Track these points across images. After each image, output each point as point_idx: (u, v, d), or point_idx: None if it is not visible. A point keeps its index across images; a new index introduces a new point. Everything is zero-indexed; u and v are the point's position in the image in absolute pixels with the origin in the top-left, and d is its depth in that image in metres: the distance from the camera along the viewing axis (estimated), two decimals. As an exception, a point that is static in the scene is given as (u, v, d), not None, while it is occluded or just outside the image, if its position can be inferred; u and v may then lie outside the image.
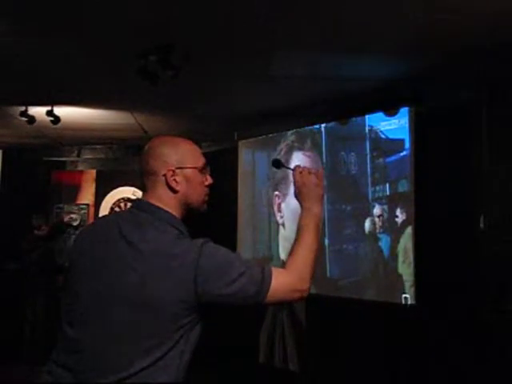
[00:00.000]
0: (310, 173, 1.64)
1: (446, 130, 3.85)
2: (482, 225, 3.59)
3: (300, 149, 4.88)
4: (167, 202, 1.44)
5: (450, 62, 3.47)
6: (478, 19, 2.81)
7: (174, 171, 1.44)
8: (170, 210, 1.43)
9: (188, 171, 1.46)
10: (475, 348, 3.50)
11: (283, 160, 4.90)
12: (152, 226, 1.38)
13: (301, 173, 1.64)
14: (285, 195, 4.86)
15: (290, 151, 4.96)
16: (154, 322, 1.30)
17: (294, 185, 1.65)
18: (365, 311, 4.22)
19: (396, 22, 2.90)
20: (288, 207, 4.79)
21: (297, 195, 1.64)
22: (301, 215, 1.58)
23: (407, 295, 3.90)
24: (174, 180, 1.44)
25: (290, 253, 1.49)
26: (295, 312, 4.96)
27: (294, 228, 1.58)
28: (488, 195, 3.60)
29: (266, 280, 1.36)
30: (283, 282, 1.40)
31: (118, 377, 1.28)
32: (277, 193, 4.94)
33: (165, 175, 1.43)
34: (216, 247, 1.38)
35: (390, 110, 4.11)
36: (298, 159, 4.88)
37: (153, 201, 1.44)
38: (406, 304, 3.90)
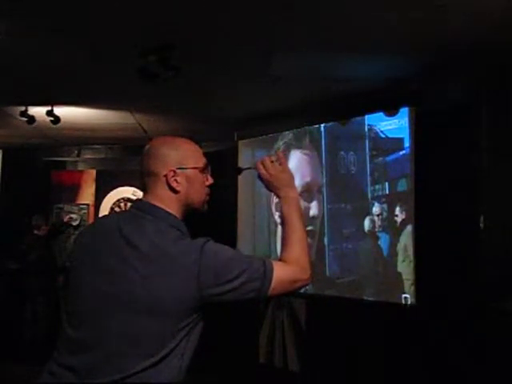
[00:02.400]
0: (272, 162, 1.60)
1: (446, 129, 3.84)
2: (481, 225, 3.58)
3: (298, 147, 4.88)
4: (168, 202, 1.44)
5: (450, 61, 3.48)
6: (478, 19, 2.81)
7: (175, 172, 1.43)
8: (170, 211, 1.43)
9: (189, 171, 1.46)
10: (475, 348, 3.50)
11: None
12: (153, 226, 1.38)
13: (263, 165, 1.60)
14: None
15: (287, 150, 4.96)
16: (157, 323, 1.30)
17: (262, 180, 1.61)
18: (365, 311, 4.22)
19: (396, 22, 2.90)
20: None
21: (269, 188, 1.61)
22: (281, 205, 1.58)
23: (407, 295, 3.90)
24: (175, 180, 1.44)
25: (284, 244, 1.51)
26: (295, 312, 4.96)
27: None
28: (488, 195, 3.60)
29: (267, 274, 1.38)
30: (284, 273, 1.42)
31: (119, 376, 1.28)
32: None
33: (166, 176, 1.43)
34: (217, 246, 1.38)
35: (390, 110, 4.11)
36: (295, 157, 4.88)
37: (153, 201, 1.44)
38: (406, 304, 3.90)
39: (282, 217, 1.57)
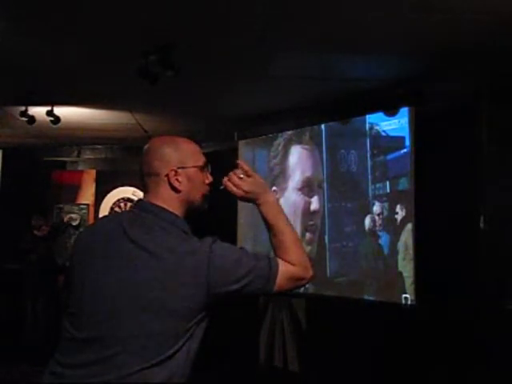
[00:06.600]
0: (240, 178, 1.54)
1: (446, 129, 3.85)
2: (481, 225, 3.59)
3: (298, 142, 4.88)
4: (170, 202, 1.44)
5: (450, 61, 3.48)
6: (478, 19, 2.81)
7: (176, 171, 1.44)
8: (173, 211, 1.43)
9: (190, 170, 1.46)
10: (475, 348, 3.50)
11: (281, 153, 4.94)
12: (158, 227, 1.39)
13: (231, 182, 1.53)
14: (283, 190, 4.85)
15: (288, 145, 4.96)
16: (165, 322, 1.30)
17: (238, 196, 1.54)
18: (365, 311, 4.22)
19: (396, 22, 2.90)
20: (287, 202, 4.78)
21: (244, 200, 1.57)
22: (262, 211, 1.54)
23: (407, 295, 3.90)
24: (177, 180, 1.44)
25: (281, 249, 1.48)
26: (295, 312, 4.97)
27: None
28: (488, 195, 3.60)
29: (273, 273, 1.40)
30: (289, 272, 1.43)
31: (124, 373, 1.28)
32: (274, 188, 4.93)
33: (167, 175, 1.43)
34: (224, 245, 1.39)
35: (390, 110, 4.11)
36: (296, 152, 4.88)
37: (155, 201, 1.44)
38: (406, 304, 3.90)
39: (266, 223, 1.53)
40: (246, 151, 5.46)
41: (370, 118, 4.28)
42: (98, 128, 5.86)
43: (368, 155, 4.28)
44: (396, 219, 4.03)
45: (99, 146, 7.15)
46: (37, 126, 4.91)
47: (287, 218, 1.54)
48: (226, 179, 1.55)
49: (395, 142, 4.10)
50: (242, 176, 1.54)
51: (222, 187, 1.56)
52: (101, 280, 1.36)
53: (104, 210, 6.91)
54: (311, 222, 4.68)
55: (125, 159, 6.94)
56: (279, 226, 1.51)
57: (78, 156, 7.33)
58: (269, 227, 1.53)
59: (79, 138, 6.49)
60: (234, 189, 1.54)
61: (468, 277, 3.63)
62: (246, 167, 1.55)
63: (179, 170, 1.44)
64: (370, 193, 4.25)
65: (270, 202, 1.55)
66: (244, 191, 1.53)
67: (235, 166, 1.58)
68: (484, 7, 2.65)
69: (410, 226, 3.92)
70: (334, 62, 3.66)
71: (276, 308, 5.14)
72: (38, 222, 6.17)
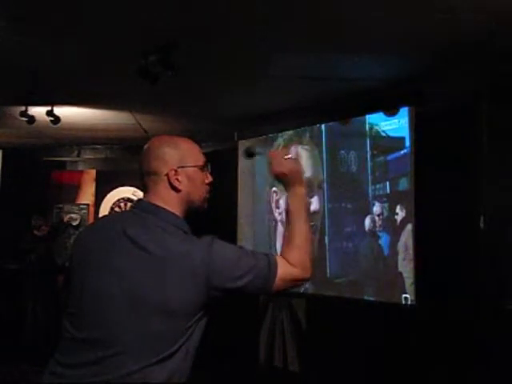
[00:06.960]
0: (286, 159, 1.57)
1: (446, 129, 3.84)
2: (481, 225, 3.59)
3: (298, 142, 4.88)
4: (170, 201, 1.44)
5: (450, 61, 3.48)
6: (478, 19, 2.81)
7: (176, 171, 1.44)
8: (173, 210, 1.43)
9: (190, 170, 1.46)
10: (475, 348, 3.50)
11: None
12: (158, 227, 1.38)
13: (277, 159, 1.57)
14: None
15: (288, 145, 4.95)
16: (166, 322, 1.30)
17: (273, 171, 1.58)
18: (365, 311, 4.22)
19: (396, 22, 2.90)
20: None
21: (277, 179, 1.60)
22: (288, 200, 1.56)
23: (407, 295, 3.90)
24: (177, 179, 1.44)
25: (288, 243, 1.49)
26: (295, 312, 4.96)
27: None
28: (488, 195, 3.60)
29: (272, 272, 1.40)
30: (288, 273, 1.43)
31: (124, 372, 1.28)
32: (274, 189, 4.93)
33: (167, 175, 1.43)
34: (224, 244, 1.39)
35: (390, 110, 4.11)
36: (296, 152, 4.88)
37: (155, 201, 1.44)
38: (406, 304, 3.90)
39: (287, 211, 1.55)
40: (245, 150, 5.45)
41: (370, 119, 4.28)
42: (98, 128, 5.86)
43: (368, 155, 4.28)
44: (396, 220, 4.03)
45: (99, 146, 7.15)
46: (37, 125, 4.91)
47: (307, 216, 1.56)
48: (273, 151, 1.57)
49: (395, 142, 4.10)
50: (289, 156, 1.55)
51: (257, 153, 1.57)
52: (100, 280, 1.35)
53: (104, 210, 6.91)
54: (311, 223, 4.67)
55: (125, 159, 6.93)
56: (298, 221, 1.52)
57: (78, 156, 7.33)
58: (287, 214, 1.55)
59: (79, 138, 6.49)
60: (277, 165, 1.56)
61: (468, 277, 3.62)
62: (299, 152, 1.58)
63: (179, 170, 1.44)
64: (370, 193, 4.25)
65: (301, 194, 1.57)
66: (282, 172, 1.56)
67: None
68: (484, 7, 2.65)
69: (409, 227, 3.92)
70: (334, 62, 3.66)
71: (276, 308, 5.14)
72: (38, 222, 6.18)
